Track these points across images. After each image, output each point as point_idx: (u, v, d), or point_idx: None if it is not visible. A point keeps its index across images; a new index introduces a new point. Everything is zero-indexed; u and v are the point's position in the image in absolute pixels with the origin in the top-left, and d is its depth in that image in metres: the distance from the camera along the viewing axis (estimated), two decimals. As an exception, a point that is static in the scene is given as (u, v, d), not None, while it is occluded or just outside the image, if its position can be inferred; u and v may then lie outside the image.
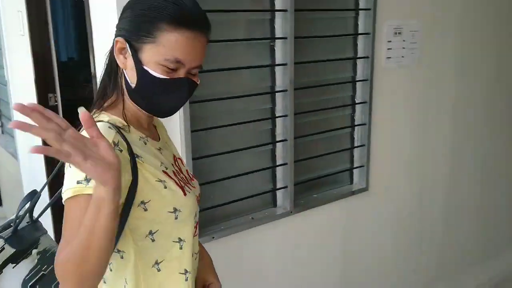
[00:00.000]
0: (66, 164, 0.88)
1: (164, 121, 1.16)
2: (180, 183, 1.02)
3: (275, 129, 2.02)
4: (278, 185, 2.06)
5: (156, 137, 1.09)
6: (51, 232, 1.38)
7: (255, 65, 1.89)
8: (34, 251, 1.08)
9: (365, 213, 2.40)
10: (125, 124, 0.98)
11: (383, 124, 2.32)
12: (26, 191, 1.26)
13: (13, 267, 1.03)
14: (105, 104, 1.00)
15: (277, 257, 2.13)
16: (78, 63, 3.71)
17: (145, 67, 0.93)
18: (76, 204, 0.84)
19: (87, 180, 0.84)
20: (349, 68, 2.22)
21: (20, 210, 1.07)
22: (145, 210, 0.94)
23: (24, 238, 1.06)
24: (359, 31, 2.18)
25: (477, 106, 2.78)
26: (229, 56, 1.85)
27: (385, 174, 2.41)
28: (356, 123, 2.28)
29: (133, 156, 0.92)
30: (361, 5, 2.15)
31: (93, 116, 0.96)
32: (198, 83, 1.00)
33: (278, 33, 1.94)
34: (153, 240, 0.97)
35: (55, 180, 1.08)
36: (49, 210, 1.19)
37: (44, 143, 0.74)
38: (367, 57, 2.19)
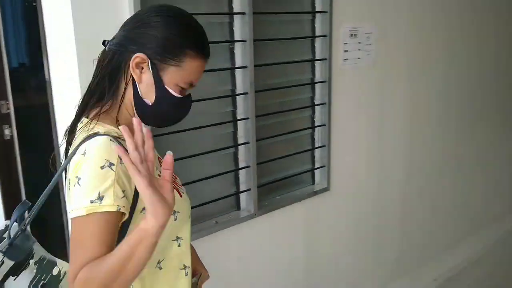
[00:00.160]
0: (72, 183, 0.92)
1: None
2: (174, 185, 1.04)
3: (237, 132, 2.02)
4: (242, 188, 2.06)
5: None
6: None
7: (215, 68, 1.89)
8: (31, 261, 1.06)
9: (327, 212, 2.44)
10: (119, 133, 0.99)
11: (343, 125, 2.37)
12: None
13: (14, 280, 1.02)
14: (101, 110, 1.01)
15: (242, 260, 2.12)
16: (29, 69, 3.58)
17: (166, 87, 0.99)
18: (92, 221, 0.89)
19: (100, 198, 0.89)
20: (308, 70, 2.25)
21: (13, 222, 1.05)
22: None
23: (20, 249, 1.05)
24: (317, 34, 2.22)
25: (430, 105, 2.88)
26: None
27: (345, 173, 2.46)
28: (316, 124, 2.31)
29: None
30: (318, 8, 2.19)
31: (89, 125, 0.98)
32: None
33: (237, 36, 1.94)
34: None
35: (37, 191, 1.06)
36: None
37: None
38: (325, 59, 2.22)
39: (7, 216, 2.33)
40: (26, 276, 1.04)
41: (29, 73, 3.51)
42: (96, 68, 1.04)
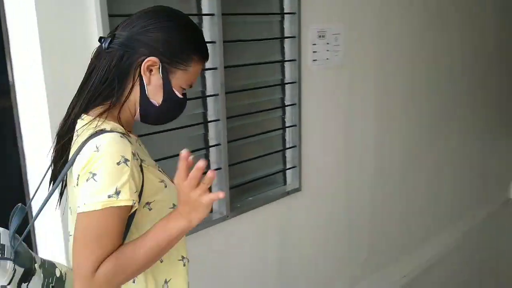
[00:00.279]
0: (84, 178, 0.94)
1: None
2: (170, 178, 1.09)
3: (208, 134, 2.01)
4: (213, 190, 2.03)
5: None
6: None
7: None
8: (36, 266, 1.06)
9: (299, 212, 2.45)
10: (124, 130, 1.03)
11: (313, 125, 2.39)
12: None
13: (27, 286, 1.02)
14: (109, 109, 1.03)
15: (215, 263, 2.11)
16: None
17: (173, 89, 1.05)
18: (108, 216, 0.93)
19: (117, 193, 0.92)
20: (277, 71, 2.26)
21: (14, 229, 1.04)
22: (150, 209, 1.03)
23: (24, 256, 1.04)
24: (285, 35, 2.23)
25: (398, 104, 2.94)
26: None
27: (316, 173, 2.48)
28: (287, 125, 2.32)
29: (140, 162, 1.01)
30: (286, 9, 2.20)
31: (94, 122, 1.00)
32: None
33: (206, 37, 1.92)
34: (149, 210, 1.04)
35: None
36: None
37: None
38: (294, 60, 2.24)
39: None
40: (37, 281, 1.04)
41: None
42: (98, 67, 1.03)
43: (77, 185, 0.95)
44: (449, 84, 3.33)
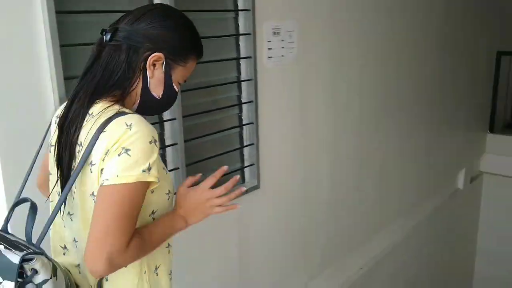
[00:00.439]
0: (116, 153, 0.99)
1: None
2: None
3: (164, 133, 1.96)
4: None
5: None
6: None
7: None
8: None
9: (258, 210, 2.44)
10: None
11: (270, 122, 2.39)
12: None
13: (56, 279, 1.02)
14: (120, 96, 1.10)
15: (175, 264, 2.06)
16: None
17: (173, 83, 1.14)
18: (137, 189, 1.00)
19: (149, 169, 1.01)
20: (233, 69, 2.24)
21: (31, 228, 1.03)
22: (152, 192, 1.08)
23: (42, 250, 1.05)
24: (240, 32, 2.22)
25: (351, 100, 2.99)
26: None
27: (274, 170, 2.48)
28: (244, 123, 2.30)
29: None
30: (240, 6, 2.18)
31: (115, 106, 1.07)
32: None
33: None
34: (153, 219, 1.13)
35: None
36: None
37: None
38: (250, 57, 2.23)
39: None
40: (60, 273, 1.04)
41: None
42: (103, 58, 1.09)
43: (103, 160, 1.00)
44: (397, 81, 3.42)
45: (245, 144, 2.33)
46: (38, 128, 1.09)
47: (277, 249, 2.64)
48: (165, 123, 1.95)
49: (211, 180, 1.21)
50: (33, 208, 1.03)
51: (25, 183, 1.18)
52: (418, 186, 3.99)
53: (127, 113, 1.04)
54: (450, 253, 4.86)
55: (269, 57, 2.32)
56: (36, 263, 0.96)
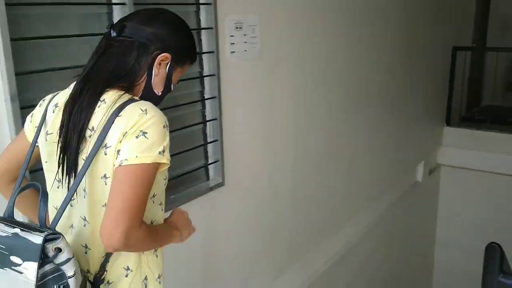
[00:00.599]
0: (134, 135, 1.07)
1: None
2: None
3: (125, 131, 1.89)
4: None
5: None
6: None
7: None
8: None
9: (223, 207, 2.41)
10: None
11: (234, 118, 2.35)
12: None
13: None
14: (128, 89, 1.18)
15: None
16: None
17: (172, 83, 1.26)
18: (152, 169, 1.08)
19: (163, 152, 1.10)
20: (195, 64, 2.18)
21: (44, 212, 1.07)
22: (154, 178, 1.13)
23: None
24: (202, 26, 2.17)
25: (316, 95, 3.00)
26: (63, 54, 1.67)
27: (239, 166, 2.45)
28: (207, 119, 2.26)
29: None
30: (202, 0, 2.14)
31: (127, 94, 1.15)
32: None
33: (118, 28, 1.81)
34: (153, 202, 1.20)
35: None
36: None
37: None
38: (212, 52, 2.18)
39: None
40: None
41: None
42: (112, 52, 1.17)
43: (120, 142, 1.07)
44: (363, 76, 3.46)
45: (209, 140, 2.29)
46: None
47: (244, 246, 2.62)
48: (126, 120, 1.88)
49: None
50: (44, 194, 1.06)
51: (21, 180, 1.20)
52: (380, 180, 4.06)
53: (139, 100, 1.14)
54: (411, 244, 4.99)
55: (232, 52, 2.28)
56: (61, 242, 1.00)
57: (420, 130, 4.74)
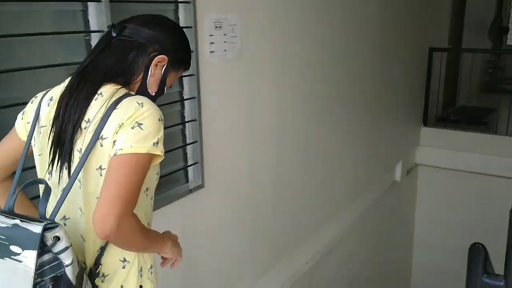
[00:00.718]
0: (129, 126, 1.10)
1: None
2: None
3: (101, 132, 1.84)
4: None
5: None
6: None
7: (70, 62, 1.68)
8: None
9: (203, 209, 2.37)
10: None
11: (214, 119, 2.32)
12: None
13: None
14: (123, 86, 1.20)
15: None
16: None
17: (165, 86, 1.30)
18: (145, 160, 1.11)
19: (157, 143, 1.12)
20: (174, 63, 2.14)
21: (45, 205, 1.09)
22: (148, 169, 1.15)
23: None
24: (181, 25, 2.12)
25: (295, 94, 2.98)
26: (35, 53, 1.61)
27: (219, 168, 2.41)
28: (186, 120, 2.22)
29: None
30: (181, -2, 2.09)
31: (123, 89, 1.18)
32: None
33: (93, 26, 1.76)
34: (146, 195, 1.24)
35: None
36: None
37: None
38: (192, 51, 2.13)
39: None
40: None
41: None
42: (111, 50, 1.21)
43: (117, 133, 1.10)
44: (342, 76, 3.46)
45: (188, 142, 2.25)
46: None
47: (225, 248, 2.58)
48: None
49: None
50: (48, 189, 1.08)
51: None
52: (360, 180, 4.07)
53: (136, 95, 1.18)
54: (390, 242, 5.03)
55: (212, 52, 2.25)
56: (60, 230, 1.02)
57: (398, 130, 4.78)
